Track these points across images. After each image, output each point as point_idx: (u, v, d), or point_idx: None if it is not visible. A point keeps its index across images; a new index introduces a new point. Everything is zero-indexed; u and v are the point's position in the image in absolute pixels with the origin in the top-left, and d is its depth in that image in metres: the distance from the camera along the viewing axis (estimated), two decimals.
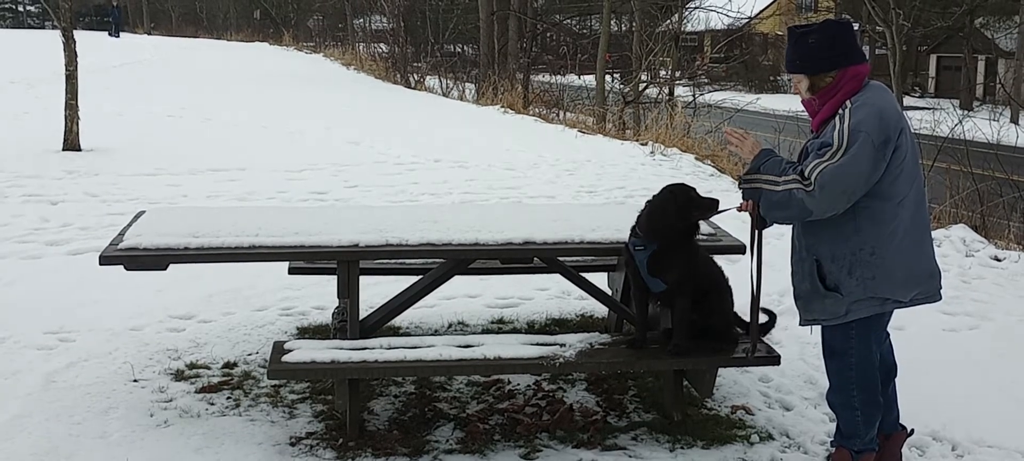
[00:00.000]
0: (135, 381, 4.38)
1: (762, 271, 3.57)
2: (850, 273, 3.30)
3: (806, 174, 3.22)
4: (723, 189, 9.88)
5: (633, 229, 3.85)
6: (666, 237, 3.75)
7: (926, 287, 3.39)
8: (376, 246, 3.91)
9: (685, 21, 21.85)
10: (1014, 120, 21.10)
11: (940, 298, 3.46)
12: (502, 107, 18.00)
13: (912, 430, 3.78)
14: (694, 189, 3.79)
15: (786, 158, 3.47)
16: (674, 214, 3.72)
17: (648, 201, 3.82)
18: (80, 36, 12.28)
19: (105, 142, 11.24)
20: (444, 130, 14.23)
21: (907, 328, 5.40)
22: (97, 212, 7.74)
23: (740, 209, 3.57)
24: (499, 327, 5.32)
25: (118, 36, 39.75)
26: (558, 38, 32.39)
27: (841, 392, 3.50)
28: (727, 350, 3.93)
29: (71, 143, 10.69)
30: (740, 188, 3.47)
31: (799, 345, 4.93)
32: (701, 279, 3.86)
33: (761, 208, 3.41)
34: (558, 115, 18.71)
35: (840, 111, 3.25)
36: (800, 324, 3.56)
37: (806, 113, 3.47)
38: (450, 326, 5.31)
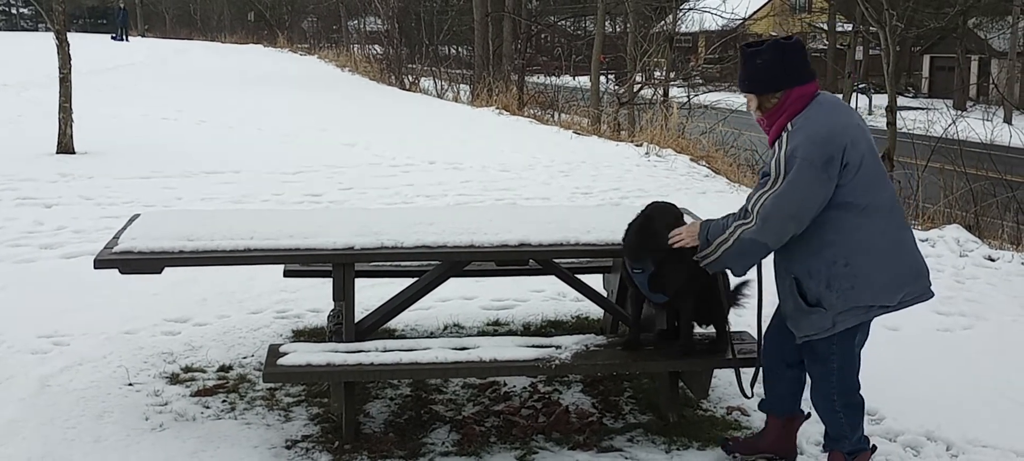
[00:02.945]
0: (130, 385, 4.37)
1: (762, 288, 3.62)
2: (829, 287, 3.28)
3: (748, 208, 3.24)
4: (717, 190, 9.91)
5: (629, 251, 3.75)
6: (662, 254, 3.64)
7: (914, 287, 3.35)
8: (371, 248, 3.91)
9: (679, 22, 21.88)
10: (1007, 120, 21.14)
11: (932, 295, 3.42)
12: (497, 109, 18.01)
13: (809, 414, 3.76)
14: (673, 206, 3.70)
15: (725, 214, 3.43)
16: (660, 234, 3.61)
17: (640, 222, 3.69)
18: (75, 39, 12.26)
19: (99, 145, 11.22)
20: (439, 132, 14.23)
21: (901, 328, 5.42)
22: (91, 215, 7.72)
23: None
24: (495, 329, 5.32)
25: (126, 40, 38.37)
26: (552, 39, 32.40)
27: (822, 395, 3.52)
28: (722, 351, 3.94)
29: (65, 146, 10.67)
30: (705, 266, 3.47)
31: None
32: (704, 280, 3.84)
33: (729, 268, 3.43)
34: (553, 116, 18.74)
35: (782, 134, 3.25)
36: (797, 343, 3.51)
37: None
38: (446, 328, 5.31)
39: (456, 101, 21.58)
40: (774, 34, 43.95)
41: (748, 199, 3.28)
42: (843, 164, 3.16)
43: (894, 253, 3.30)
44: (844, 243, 3.23)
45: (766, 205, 3.18)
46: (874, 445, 3.63)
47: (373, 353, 3.82)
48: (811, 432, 4.03)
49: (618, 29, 28.85)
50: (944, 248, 7.16)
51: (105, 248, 3.93)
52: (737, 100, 21.11)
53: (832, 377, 3.44)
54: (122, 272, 3.85)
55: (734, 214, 3.33)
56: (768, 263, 3.52)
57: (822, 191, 3.16)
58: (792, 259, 3.35)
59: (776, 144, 3.25)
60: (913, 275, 3.35)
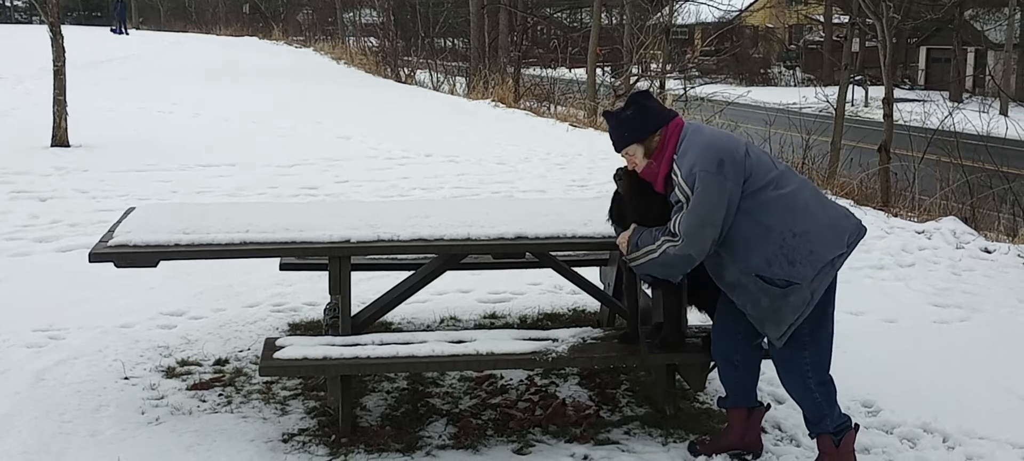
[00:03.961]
0: (126, 378, 4.36)
1: None
2: (792, 262, 3.34)
3: (673, 230, 3.38)
4: None
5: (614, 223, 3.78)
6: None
7: (849, 226, 3.47)
8: (368, 242, 3.90)
9: (676, 14, 21.85)
10: (1003, 112, 21.17)
11: (866, 229, 3.55)
12: (493, 101, 17.99)
13: (768, 405, 3.88)
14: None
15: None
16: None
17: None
18: (69, 32, 12.21)
19: (94, 138, 11.19)
20: (435, 124, 14.21)
21: (898, 321, 5.43)
22: (86, 208, 7.70)
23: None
24: (491, 322, 5.31)
25: (126, 33, 37.94)
26: (549, 31, 32.38)
27: (796, 377, 3.51)
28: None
29: (60, 139, 10.64)
30: (633, 268, 3.61)
31: None
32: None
33: (653, 273, 3.55)
34: (549, 109, 18.71)
35: (672, 168, 3.41)
36: (782, 345, 3.45)
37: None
38: (442, 321, 5.30)
39: (452, 94, 21.52)
40: (771, 26, 43.92)
41: (672, 221, 3.41)
42: (740, 158, 3.35)
43: (821, 205, 3.46)
44: (780, 219, 3.35)
45: (683, 222, 3.35)
46: (857, 424, 3.62)
47: (369, 346, 3.81)
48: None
49: (614, 21, 28.82)
50: (940, 240, 7.17)
51: (100, 241, 3.91)
52: (733, 92, 21.14)
53: (804, 354, 3.46)
54: (117, 266, 3.84)
55: (663, 229, 3.45)
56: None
57: (727, 192, 3.31)
58: (747, 260, 3.39)
59: (672, 178, 3.41)
60: (844, 216, 3.50)
